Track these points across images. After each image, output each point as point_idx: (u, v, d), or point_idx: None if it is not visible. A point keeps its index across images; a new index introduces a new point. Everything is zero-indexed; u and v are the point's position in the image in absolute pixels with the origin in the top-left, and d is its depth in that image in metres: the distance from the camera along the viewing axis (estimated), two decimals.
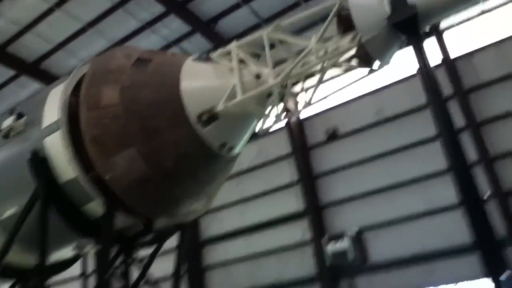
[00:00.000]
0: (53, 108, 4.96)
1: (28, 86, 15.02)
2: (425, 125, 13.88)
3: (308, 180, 15.31)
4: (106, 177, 4.62)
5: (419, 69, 12.51)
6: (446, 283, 12.42)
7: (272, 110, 4.98)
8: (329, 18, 4.42)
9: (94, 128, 4.64)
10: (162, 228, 5.57)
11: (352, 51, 4.47)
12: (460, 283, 12.14)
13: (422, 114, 13.95)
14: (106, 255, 4.85)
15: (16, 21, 12.30)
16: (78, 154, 4.77)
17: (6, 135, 5.13)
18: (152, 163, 4.65)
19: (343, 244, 13.51)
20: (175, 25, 12.86)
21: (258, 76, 4.73)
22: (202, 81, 4.79)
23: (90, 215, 4.99)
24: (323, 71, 4.67)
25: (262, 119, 5.05)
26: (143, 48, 12.74)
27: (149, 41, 13.30)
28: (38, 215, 4.71)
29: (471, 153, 12.52)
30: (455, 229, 12.84)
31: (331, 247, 13.66)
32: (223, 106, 4.58)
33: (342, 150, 15.06)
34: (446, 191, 13.16)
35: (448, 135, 11.56)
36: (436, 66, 12.91)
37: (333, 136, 15.27)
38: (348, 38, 4.57)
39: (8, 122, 5.13)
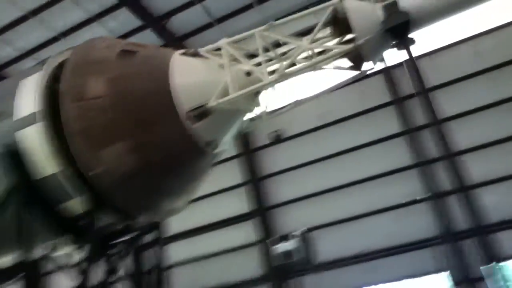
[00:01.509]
0: (26, 99, 4.59)
1: None
2: (364, 130, 14.59)
3: (254, 181, 15.46)
4: (90, 173, 4.37)
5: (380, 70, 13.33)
6: (390, 281, 13.14)
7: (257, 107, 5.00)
8: (323, 19, 4.52)
9: (79, 121, 4.37)
10: (139, 226, 5.38)
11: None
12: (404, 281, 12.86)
13: (363, 118, 14.64)
14: (91, 256, 4.57)
15: None
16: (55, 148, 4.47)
17: None
18: (140, 158, 4.47)
19: (289, 245, 13.80)
20: (124, 19, 12.36)
21: (248, 74, 4.72)
22: (192, 76, 4.68)
23: (68, 213, 4.70)
24: (312, 70, 4.75)
25: (246, 116, 5.05)
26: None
27: (93, 34, 12.69)
28: (13, 214, 4.34)
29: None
30: (398, 228, 13.65)
31: (278, 248, 13.90)
32: (215, 102, 4.51)
33: (287, 152, 15.41)
34: (390, 192, 13.95)
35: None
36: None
37: (277, 138, 15.59)
38: (339, 39, 4.71)
39: None
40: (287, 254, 13.72)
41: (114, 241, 5.28)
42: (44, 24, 12.25)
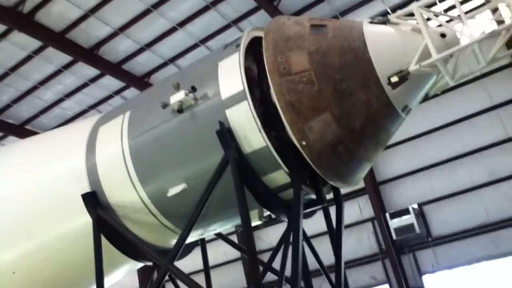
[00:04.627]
0: (229, 79, 4.90)
1: (79, 73, 14.90)
2: (482, 95, 14.00)
3: None
4: (303, 143, 4.62)
5: None
6: None
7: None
8: None
9: (289, 94, 4.62)
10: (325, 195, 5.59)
11: None
12: None
13: (479, 85, 14.04)
14: (299, 226, 4.83)
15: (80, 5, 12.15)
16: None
17: (180, 110, 5.06)
18: (344, 125, 4.66)
19: (409, 218, 13.65)
20: (237, 3, 12.72)
21: (443, 35, 4.70)
22: (388, 42, 4.75)
23: (272, 184, 4.99)
24: None
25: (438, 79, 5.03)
26: (203, 27, 12.65)
27: (209, 20, 13.19)
28: (235, 186, 4.66)
29: None
30: None
31: (396, 222, 13.81)
32: (416, 66, 4.55)
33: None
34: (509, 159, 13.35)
35: None
36: None
37: None
38: None
39: (179, 96, 5.03)
40: (407, 228, 13.62)
41: (308, 210, 5.51)
42: (163, 16, 12.86)
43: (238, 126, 4.79)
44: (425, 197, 14.33)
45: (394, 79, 4.63)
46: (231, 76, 4.92)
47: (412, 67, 4.57)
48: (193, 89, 5.05)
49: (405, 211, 13.77)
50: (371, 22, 4.96)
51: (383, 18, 4.95)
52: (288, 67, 4.70)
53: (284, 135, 4.82)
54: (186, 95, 5.02)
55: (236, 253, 16.72)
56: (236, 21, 13.31)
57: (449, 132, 14.30)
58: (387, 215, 14.14)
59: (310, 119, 4.61)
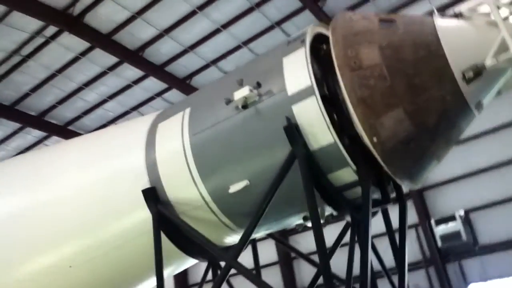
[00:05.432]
0: (296, 75, 4.80)
1: (123, 74, 15.15)
2: None
3: None
4: (374, 140, 4.49)
5: None
6: None
7: None
8: None
9: (360, 89, 4.49)
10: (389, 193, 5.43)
11: None
12: None
13: None
14: (368, 225, 4.68)
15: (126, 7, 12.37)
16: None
17: (245, 105, 5.01)
18: (417, 122, 4.50)
19: (455, 225, 13.21)
20: (282, 3, 12.67)
21: None
22: (462, 36, 4.59)
23: (335, 182, 4.87)
24: None
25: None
26: (246, 29, 12.64)
27: (253, 22, 13.19)
28: (304, 183, 4.54)
29: None
30: None
31: (442, 229, 13.38)
32: (494, 61, 4.37)
33: None
34: None
35: None
36: None
37: None
38: None
39: (243, 92, 4.96)
40: (453, 235, 13.16)
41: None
42: (207, 17, 12.95)
43: (305, 122, 4.67)
44: (471, 204, 13.83)
45: (469, 74, 4.46)
46: (297, 72, 4.82)
47: (489, 62, 4.39)
48: (258, 84, 4.98)
49: (451, 218, 13.32)
50: (442, 16, 4.82)
51: (456, 12, 4.79)
52: (358, 62, 4.58)
53: (350, 132, 4.71)
54: (251, 91, 4.95)
55: (272, 257, 16.60)
56: (279, 23, 13.27)
57: (498, 137, 13.79)
58: (432, 221, 13.69)
59: (382, 115, 4.47)
